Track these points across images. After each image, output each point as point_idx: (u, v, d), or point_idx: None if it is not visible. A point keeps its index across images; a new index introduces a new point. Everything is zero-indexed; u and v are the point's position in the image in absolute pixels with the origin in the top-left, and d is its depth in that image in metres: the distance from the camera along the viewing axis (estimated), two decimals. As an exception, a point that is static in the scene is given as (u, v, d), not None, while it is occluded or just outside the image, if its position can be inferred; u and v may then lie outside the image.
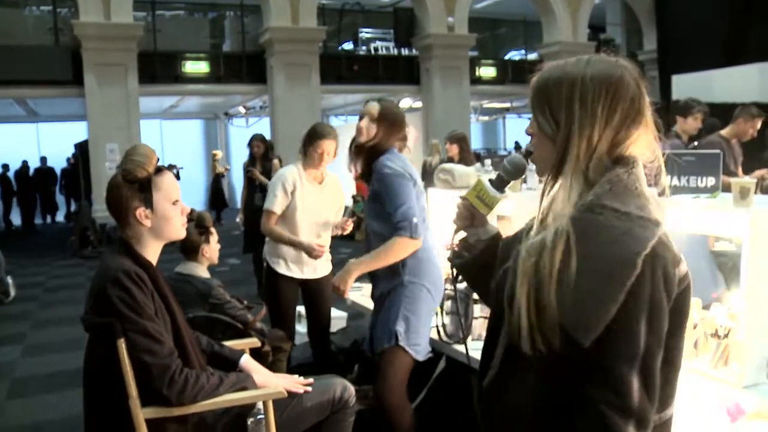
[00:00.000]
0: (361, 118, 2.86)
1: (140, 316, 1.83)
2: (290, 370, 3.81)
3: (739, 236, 2.12)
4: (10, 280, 8.13)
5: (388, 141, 2.82)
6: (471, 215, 1.53)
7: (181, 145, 20.09)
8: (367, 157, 2.83)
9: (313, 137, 3.78)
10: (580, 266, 1.11)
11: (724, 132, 6.07)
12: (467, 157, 6.69)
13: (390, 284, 2.83)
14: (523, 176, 1.56)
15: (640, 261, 1.09)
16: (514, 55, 19.56)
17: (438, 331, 2.97)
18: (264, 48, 13.99)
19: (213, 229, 3.39)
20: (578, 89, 1.21)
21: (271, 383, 2.03)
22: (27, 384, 5.07)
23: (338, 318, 5.58)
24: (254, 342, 2.65)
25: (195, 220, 3.18)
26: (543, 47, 16.45)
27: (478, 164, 4.66)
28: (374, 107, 2.83)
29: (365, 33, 17.14)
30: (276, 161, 7.41)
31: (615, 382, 1.10)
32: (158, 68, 13.38)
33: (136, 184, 1.94)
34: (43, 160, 17.64)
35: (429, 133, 14.17)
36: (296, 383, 2.10)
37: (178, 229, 2.02)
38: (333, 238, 3.98)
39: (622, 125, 1.21)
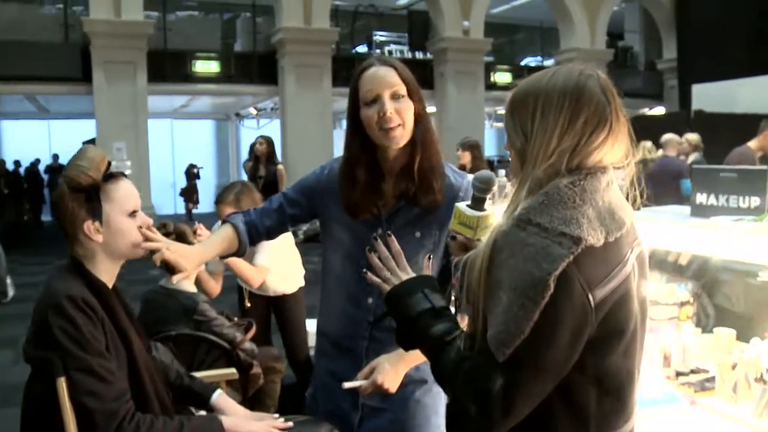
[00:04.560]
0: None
1: (85, 351, 1.56)
2: (284, 390, 3.57)
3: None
4: (9, 280, 7.95)
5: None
6: (464, 245, 1.49)
7: (192, 145, 19.99)
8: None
9: None
10: (501, 281, 1.13)
11: (751, 144, 5.83)
12: (480, 165, 6.40)
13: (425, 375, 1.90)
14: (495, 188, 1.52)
15: (552, 281, 1.08)
16: (531, 61, 19.30)
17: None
18: (276, 48, 13.80)
19: (195, 239, 3.13)
20: (540, 101, 1.21)
21: (243, 429, 1.76)
22: (19, 392, 4.84)
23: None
24: (231, 373, 2.37)
25: (174, 235, 2.92)
26: (560, 54, 16.18)
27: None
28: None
29: (380, 36, 16.96)
30: (281, 167, 7.20)
31: (483, 372, 1.12)
32: (168, 67, 13.24)
33: (82, 193, 1.68)
34: (55, 157, 17.54)
35: (442, 138, 13.87)
36: (273, 427, 1.83)
37: (136, 246, 1.74)
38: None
39: (583, 134, 1.19)
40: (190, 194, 17.39)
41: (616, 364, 1.19)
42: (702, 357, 2.32)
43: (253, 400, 3.28)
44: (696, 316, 2.62)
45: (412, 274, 1.38)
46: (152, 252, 1.73)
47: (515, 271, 1.11)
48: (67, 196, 1.68)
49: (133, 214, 1.74)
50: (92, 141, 12.90)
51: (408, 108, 1.77)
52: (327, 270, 2.00)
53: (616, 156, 1.23)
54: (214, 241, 1.94)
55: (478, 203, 1.49)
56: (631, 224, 1.24)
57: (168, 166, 19.11)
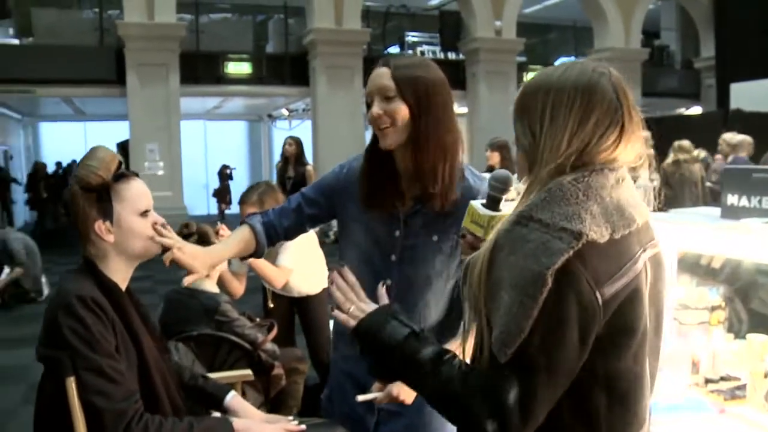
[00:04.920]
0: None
1: (94, 351, 1.55)
2: (307, 391, 3.55)
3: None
4: (44, 279, 8.09)
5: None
6: (473, 245, 1.46)
7: (225, 146, 20.17)
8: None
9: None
10: (501, 279, 1.09)
11: None
12: (509, 166, 6.30)
13: None
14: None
15: (549, 276, 1.05)
16: (564, 61, 19.03)
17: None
18: (307, 50, 13.83)
19: (217, 240, 3.13)
20: (551, 98, 1.17)
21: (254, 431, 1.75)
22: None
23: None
24: (247, 375, 2.35)
25: (197, 235, 2.92)
26: (594, 53, 15.93)
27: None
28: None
29: (412, 37, 16.90)
30: (310, 167, 7.20)
31: (494, 384, 1.07)
32: (200, 69, 13.33)
33: (93, 193, 1.67)
34: (89, 158, 17.82)
35: (474, 139, 13.82)
36: (285, 430, 1.81)
37: (148, 245, 1.73)
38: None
39: (593, 135, 1.15)
40: (223, 195, 17.55)
41: (626, 366, 1.15)
42: (733, 364, 2.24)
43: (275, 401, 3.27)
44: (728, 321, 2.53)
45: (373, 306, 1.31)
46: (164, 251, 1.72)
47: (515, 269, 1.08)
48: (78, 195, 1.68)
49: (145, 213, 1.73)
50: (126, 142, 13.09)
51: (397, 109, 1.73)
52: None
53: (629, 156, 1.19)
54: (229, 242, 1.92)
55: (493, 203, 1.47)
56: (646, 224, 1.20)
57: (201, 167, 19.32)
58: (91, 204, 1.67)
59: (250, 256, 1.94)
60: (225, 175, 17.67)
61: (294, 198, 2.00)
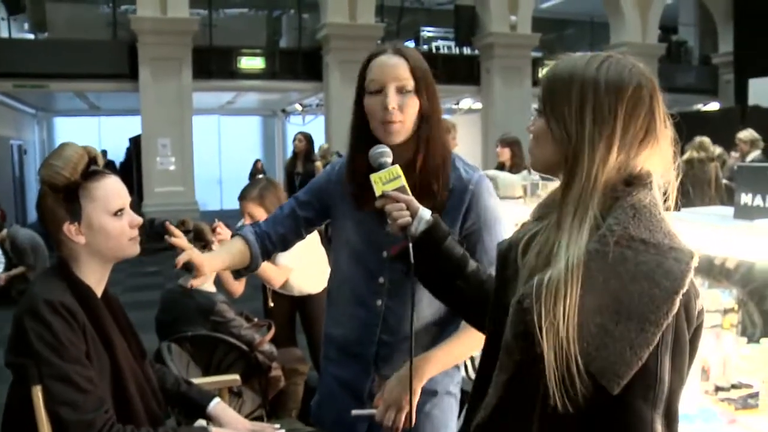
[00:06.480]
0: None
1: (61, 358, 1.47)
2: (308, 392, 3.47)
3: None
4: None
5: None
6: (404, 205, 1.45)
7: (240, 141, 20.16)
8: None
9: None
10: (607, 307, 1.00)
11: None
12: (519, 163, 6.17)
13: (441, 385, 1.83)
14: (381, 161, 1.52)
15: (678, 300, 0.99)
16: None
17: (465, 366, 2.56)
18: (320, 45, 13.76)
19: (216, 238, 3.03)
20: (590, 98, 1.08)
21: (233, 441, 1.67)
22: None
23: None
24: (234, 380, 2.27)
25: (193, 233, 2.85)
26: (610, 48, 15.71)
27: (524, 172, 4.22)
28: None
29: (427, 32, 16.78)
30: (319, 164, 7.14)
31: (642, 427, 1.01)
32: (213, 63, 13.29)
33: (60, 193, 1.59)
34: (104, 153, 17.86)
35: (488, 135, 13.68)
36: (268, 439, 1.73)
37: (123, 246, 1.64)
38: None
39: (635, 142, 1.09)
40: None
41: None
42: (746, 371, 2.14)
43: (274, 402, 3.20)
44: (741, 324, 2.43)
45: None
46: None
47: (626, 294, 1.00)
48: (47, 195, 1.60)
49: (118, 213, 1.65)
50: (138, 137, 13.09)
51: (411, 105, 1.65)
52: (334, 270, 1.90)
53: (661, 166, 1.13)
54: (227, 250, 1.85)
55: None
56: None
57: (214, 162, 19.31)
58: (59, 204, 1.59)
59: (245, 269, 1.86)
60: (258, 171, 17.41)
61: (287, 204, 1.94)
